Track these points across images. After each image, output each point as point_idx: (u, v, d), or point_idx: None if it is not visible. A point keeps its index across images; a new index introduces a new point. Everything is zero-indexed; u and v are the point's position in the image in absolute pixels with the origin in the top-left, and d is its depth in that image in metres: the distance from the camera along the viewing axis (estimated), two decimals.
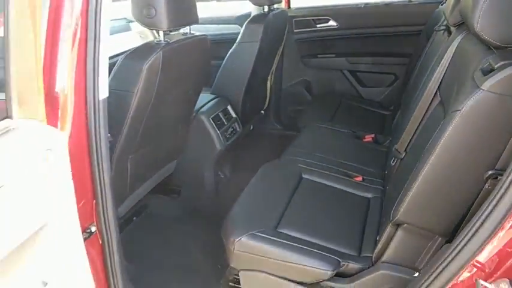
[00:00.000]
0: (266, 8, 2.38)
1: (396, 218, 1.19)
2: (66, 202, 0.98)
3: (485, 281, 0.87)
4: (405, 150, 1.50)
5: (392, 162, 1.59)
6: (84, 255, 1.07)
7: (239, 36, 2.26)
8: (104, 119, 1.04)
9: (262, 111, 2.86)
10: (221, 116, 2.21)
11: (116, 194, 1.37)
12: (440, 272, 1.00)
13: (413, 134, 1.48)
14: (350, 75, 2.90)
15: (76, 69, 0.96)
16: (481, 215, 0.92)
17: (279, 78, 2.96)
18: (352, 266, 1.34)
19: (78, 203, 1.01)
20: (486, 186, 1.04)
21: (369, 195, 1.69)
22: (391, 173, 1.59)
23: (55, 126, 0.95)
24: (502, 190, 0.89)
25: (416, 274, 1.23)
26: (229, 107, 2.31)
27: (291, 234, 1.42)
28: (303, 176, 1.77)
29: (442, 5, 2.24)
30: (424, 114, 1.44)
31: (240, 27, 2.37)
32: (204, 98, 2.21)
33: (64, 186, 0.97)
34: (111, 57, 1.11)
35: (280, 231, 1.43)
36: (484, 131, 0.99)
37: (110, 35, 2.14)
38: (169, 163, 2.06)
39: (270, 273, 1.39)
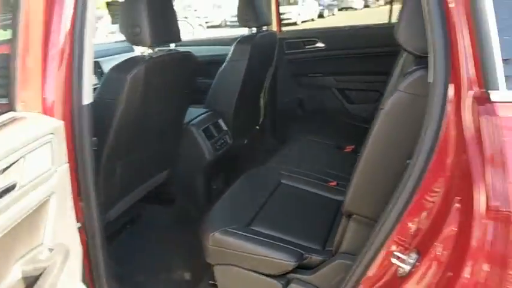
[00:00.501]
0: (254, 30, 2.57)
1: (345, 208, 1.32)
2: (66, 177, 1.15)
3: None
4: None
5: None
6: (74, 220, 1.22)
7: (229, 55, 2.41)
8: (88, 122, 1.18)
9: (257, 127, 3.02)
10: (212, 128, 2.33)
11: (106, 197, 1.51)
12: (366, 253, 1.11)
13: None
14: (338, 92, 3.05)
15: (65, 80, 1.14)
16: (395, 197, 1.04)
17: (274, 95, 3.13)
18: (316, 258, 1.45)
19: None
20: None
21: (341, 198, 1.79)
22: None
23: None
24: (407, 175, 1.01)
25: None
26: (220, 121, 2.43)
27: (262, 231, 1.53)
28: (281, 181, 1.90)
29: None
30: None
31: None
32: (196, 112, 2.34)
33: (64, 164, 1.14)
34: None
35: (253, 228, 1.55)
36: (401, 127, 1.13)
37: (115, 55, 2.47)
38: (161, 172, 2.15)
39: (241, 267, 1.50)
